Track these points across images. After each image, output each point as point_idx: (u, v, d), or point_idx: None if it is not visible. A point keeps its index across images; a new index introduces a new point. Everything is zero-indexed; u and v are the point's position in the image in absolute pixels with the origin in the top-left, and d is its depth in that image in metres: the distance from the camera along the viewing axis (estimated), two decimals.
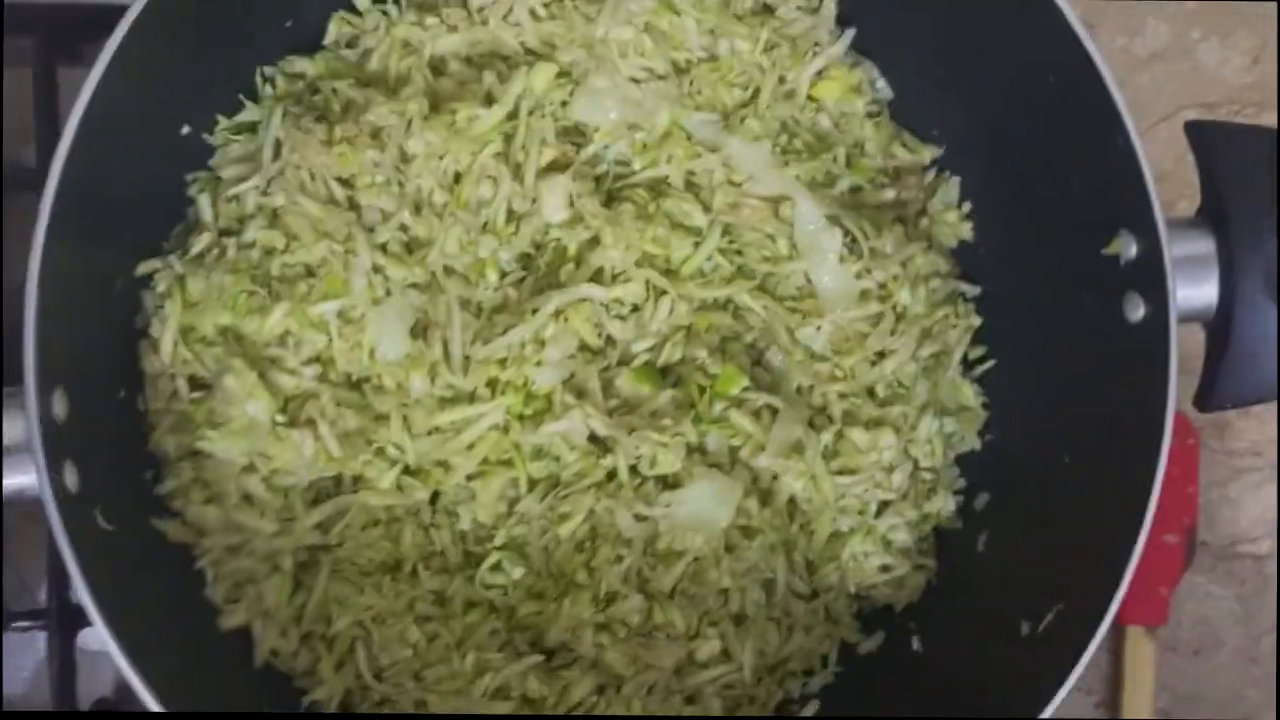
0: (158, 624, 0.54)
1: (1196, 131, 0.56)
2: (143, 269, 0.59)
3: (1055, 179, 0.60)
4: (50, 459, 0.48)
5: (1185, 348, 0.55)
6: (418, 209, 0.60)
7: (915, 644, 0.64)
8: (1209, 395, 0.58)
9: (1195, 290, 0.56)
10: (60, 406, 0.50)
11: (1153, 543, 0.55)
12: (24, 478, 0.49)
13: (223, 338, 0.59)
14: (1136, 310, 0.56)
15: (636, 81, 0.62)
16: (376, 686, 0.59)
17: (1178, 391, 0.55)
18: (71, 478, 0.50)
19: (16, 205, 0.68)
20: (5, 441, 0.49)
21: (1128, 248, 0.56)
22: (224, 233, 0.60)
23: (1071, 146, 0.58)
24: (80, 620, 0.65)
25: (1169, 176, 0.87)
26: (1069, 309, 0.60)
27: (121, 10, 0.69)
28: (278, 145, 0.60)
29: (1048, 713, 0.54)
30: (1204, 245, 0.56)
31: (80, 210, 0.51)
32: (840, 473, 0.62)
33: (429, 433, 0.60)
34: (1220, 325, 0.56)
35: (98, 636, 0.68)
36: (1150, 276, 0.55)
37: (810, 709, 0.64)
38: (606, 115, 0.62)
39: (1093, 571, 0.55)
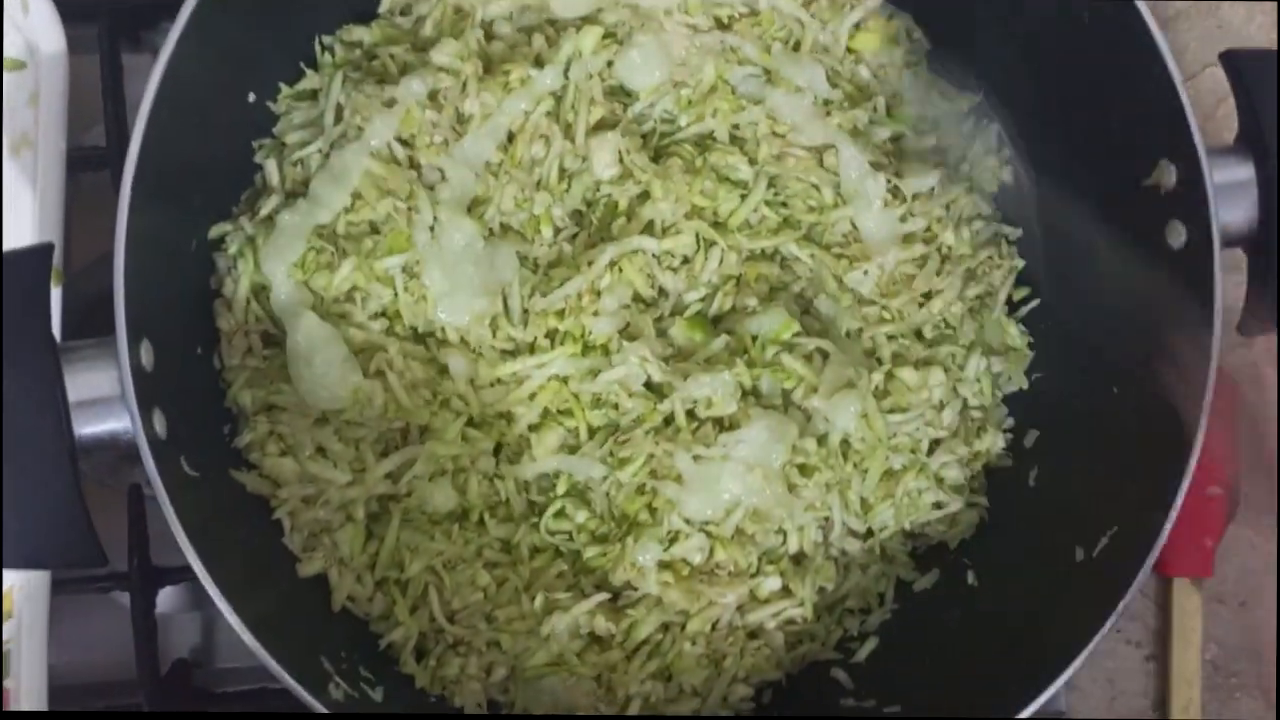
0: (241, 570, 0.55)
1: (1232, 60, 0.58)
2: (214, 232, 0.61)
3: (1093, 116, 0.61)
4: (141, 404, 0.50)
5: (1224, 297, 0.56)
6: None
7: (970, 579, 0.65)
8: (1252, 318, 0.59)
9: (1236, 215, 0.57)
10: (147, 357, 0.52)
11: (1197, 495, 0.56)
12: (115, 423, 0.51)
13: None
14: (1179, 238, 0.57)
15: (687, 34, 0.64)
16: (450, 628, 0.61)
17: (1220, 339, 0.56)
18: (160, 424, 0.52)
19: (86, 184, 0.71)
20: (94, 386, 0.51)
21: (1168, 176, 0.57)
22: (290, 195, 0.62)
23: (1109, 81, 0.59)
24: (161, 580, 0.67)
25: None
26: (1111, 243, 0.62)
27: None
28: (339, 109, 0.62)
29: (1105, 629, 0.55)
30: (1243, 170, 0.57)
31: (156, 178, 0.53)
32: (891, 411, 0.64)
33: (492, 384, 0.62)
34: (1261, 248, 0.57)
35: (175, 600, 0.71)
36: (1191, 203, 0.56)
37: (869, 646, 0.65)
38: (652, 74, 0.64)
39: (1146, 493, 0.57)
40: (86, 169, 0.70)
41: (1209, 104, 0.89)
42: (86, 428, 0.51)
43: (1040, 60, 0.63)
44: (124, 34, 0.72)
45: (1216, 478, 0.83)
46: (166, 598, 0.70)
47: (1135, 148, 0.59)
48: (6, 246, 0.65)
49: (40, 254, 0.51)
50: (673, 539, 0.62)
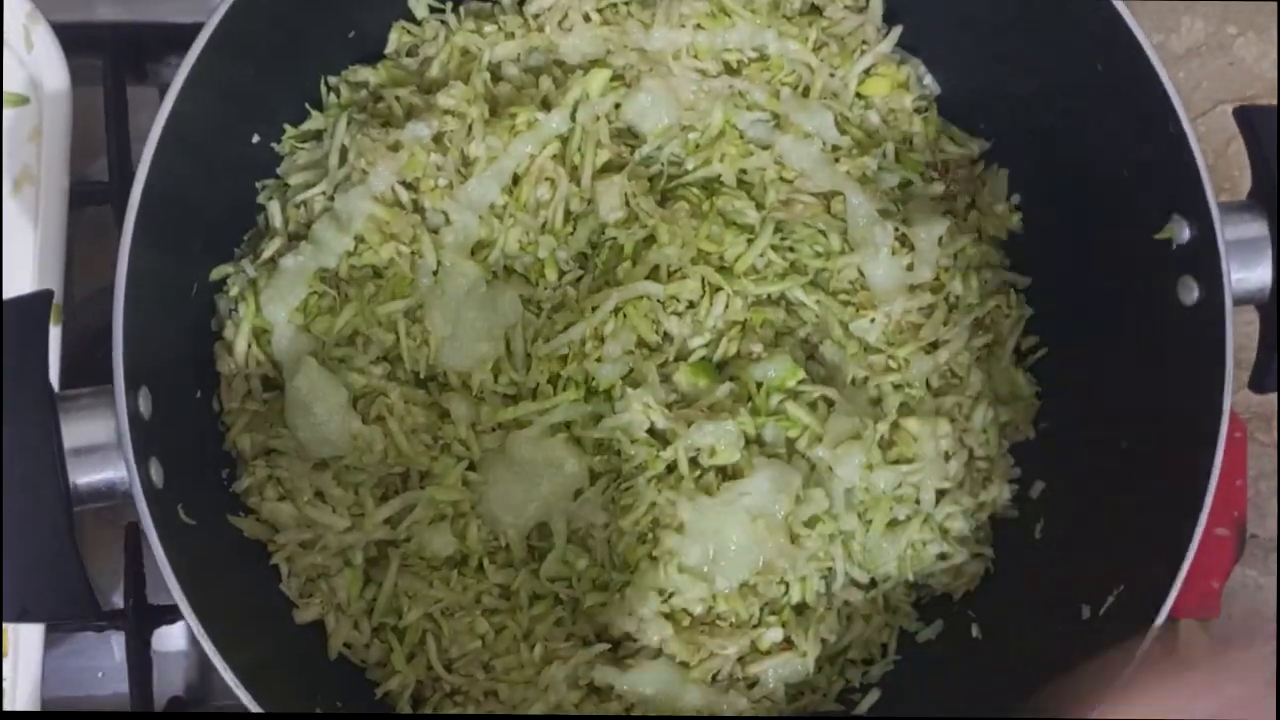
0: (237, 617, 0.55)
1: (1245, 116, 0.57)
2: (216, 274, 0.61)
3: (1105, 167, 0.60)
4: (138, 455, 0.50)
5: (1235, 339, 0.56)
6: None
7: (974, 631, 0.65)
8: (1264, 376, 0.58)
9: (1249, 273, 0.56)
10: (145, 404, 0.51)
11: (1204, 536, 0.55)
12: (112, 473, 0.50)
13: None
14: (1190, 294, 0.57)
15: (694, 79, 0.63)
16: (447, 677, 0.60)
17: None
18: (157, 473, 0.51)
19: (88, 214, 0.70)
20: (91, 435, 0.50)
21: (1180, 232, 0.57)
22: (293, 237, 0.61)
23: (1121, 134, 0.59)
24: (157, 620, 0.67)
25: (1209, 171, 0.88)
26: (1121, 296, 0.61)
27: (186, 29, 0.71)
28: (343, 151, 0.61)
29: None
30: (1257, 228, 0.56)
31: (159, 219, 0.53)
32: (896, 462, 0.63)
33: (493, 429, 0.61)
34: (1275, 306, 0.57)
35: (171, 637, 0.70)
36: (1204, 260, 0.55)
37: (871, 698, 0.65)
38: (660, 118, 0.64)
39: (1154, 552, 0.56)
40: (89, 203, 0.70)
41: (1220, 141, 0.89)
42: (83, 477, 0.50)
43: (1052, 110, 0.63)
44: (129, 67, 0.72)
45: (1224, 518, 0.83)
46: (163, 634, 0.69)
47: (1147, 201, 0.58)
48: (7, 282, 0.65)
49: (39, 301, 0.51)
50: (673, 589, 0.61)
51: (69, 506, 0.49)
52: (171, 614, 0.67)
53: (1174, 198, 0.57)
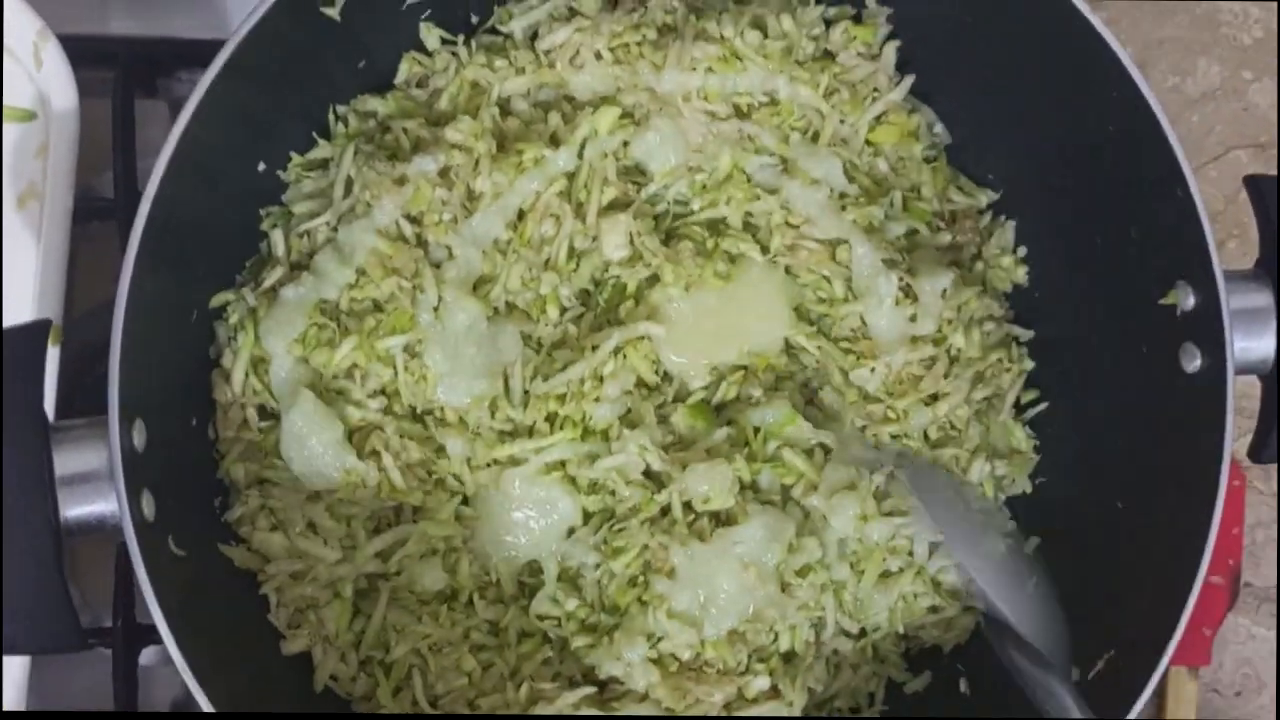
0: (223, 646, 0.55)
1: (1255, 186, 0.57)
2: (217, 301, 0.60)
3: (1112, 226, 0.60)
4: (129, 489, 0.50)
5: (1238, 389, 0.56)
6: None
7: (963, 686, 0.64)
8: (1264, 447, 0.58)
9: (1253, 343, 0.56)
10: (139, 437, 0.51)
11: None
12: (103, 505, 0.50)
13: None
14: (1193, 361, 0.56)
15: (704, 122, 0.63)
16: (432, 713, 0.60)
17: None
18: (149, 506, 0.51)
19: (91, 231, 0.70)
20: (84, 469, 0.50)
21: (1185, 298, 0.56)
22: (295, 266, 0.61)
23: (1129, 195, 0.58)
24: (144, 639, 0.66)
25: (1219, 217, 0.88)
26: (1124, 356, 0.61)
27: (198, 45, 0.71)
28: (349, 182, 0.61)
29: None
30: (1262, 298, 0.56)
31: (163, 243, 0.53)
32: (891, 513, 0.63)
33: (487, 465, 0.61)
34: (1276, 378, 0.56)
35: (162, 651, 0.70)
36: (1208, 328, 0.55)
37: None
38: (668, 158, 0.63)
39: (1145, 619, 0.56)
40: (93, 218, 0.69)
41: (1231, 188, 0.88)
42: (74, 510, 0.50)
43: (1061, 166, 0.62)
44: (138, 82, 0.71)
45: (1217, 567, 0.82)
46: (155, 652, 0.69)
47: (1153, 265, 0.58)
48: (8, 298, 0.64)
49: (37, 331, 0.50)
50: (661, 634, 0.61)
51: (59, 540, 0.49)
52: (160, 634, 0.67)
53: (1180, 263, 0.56)
